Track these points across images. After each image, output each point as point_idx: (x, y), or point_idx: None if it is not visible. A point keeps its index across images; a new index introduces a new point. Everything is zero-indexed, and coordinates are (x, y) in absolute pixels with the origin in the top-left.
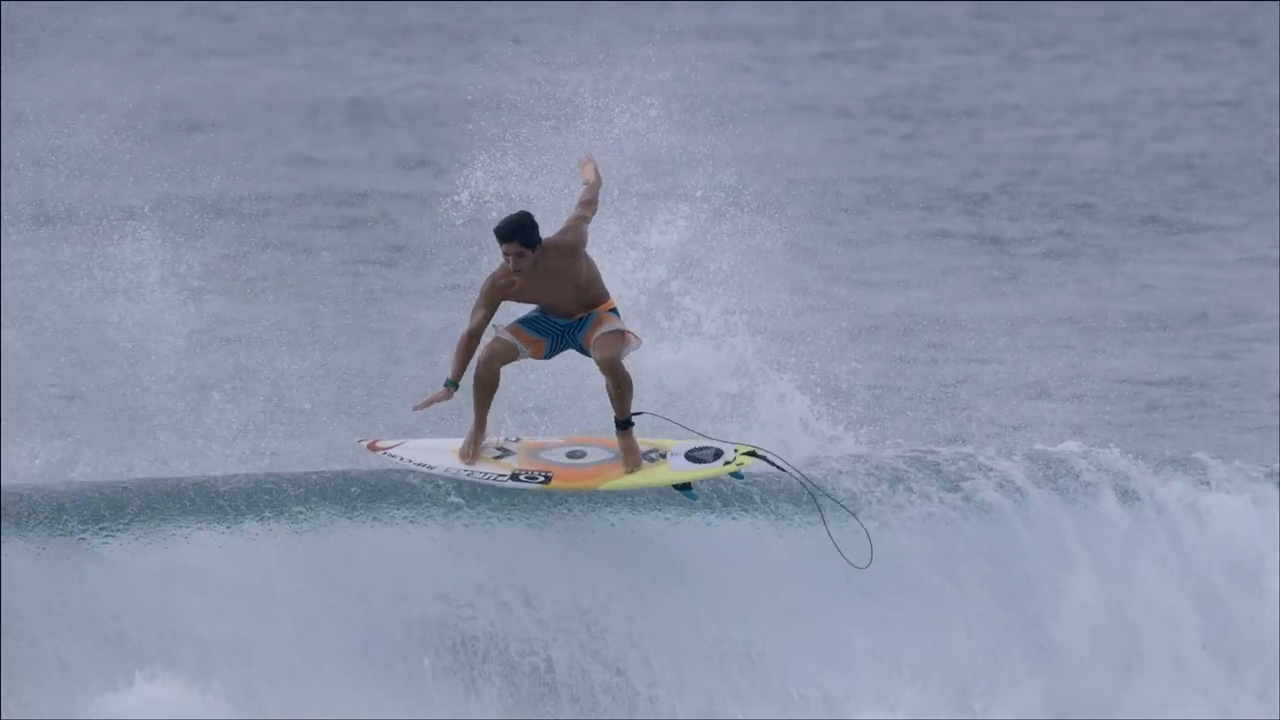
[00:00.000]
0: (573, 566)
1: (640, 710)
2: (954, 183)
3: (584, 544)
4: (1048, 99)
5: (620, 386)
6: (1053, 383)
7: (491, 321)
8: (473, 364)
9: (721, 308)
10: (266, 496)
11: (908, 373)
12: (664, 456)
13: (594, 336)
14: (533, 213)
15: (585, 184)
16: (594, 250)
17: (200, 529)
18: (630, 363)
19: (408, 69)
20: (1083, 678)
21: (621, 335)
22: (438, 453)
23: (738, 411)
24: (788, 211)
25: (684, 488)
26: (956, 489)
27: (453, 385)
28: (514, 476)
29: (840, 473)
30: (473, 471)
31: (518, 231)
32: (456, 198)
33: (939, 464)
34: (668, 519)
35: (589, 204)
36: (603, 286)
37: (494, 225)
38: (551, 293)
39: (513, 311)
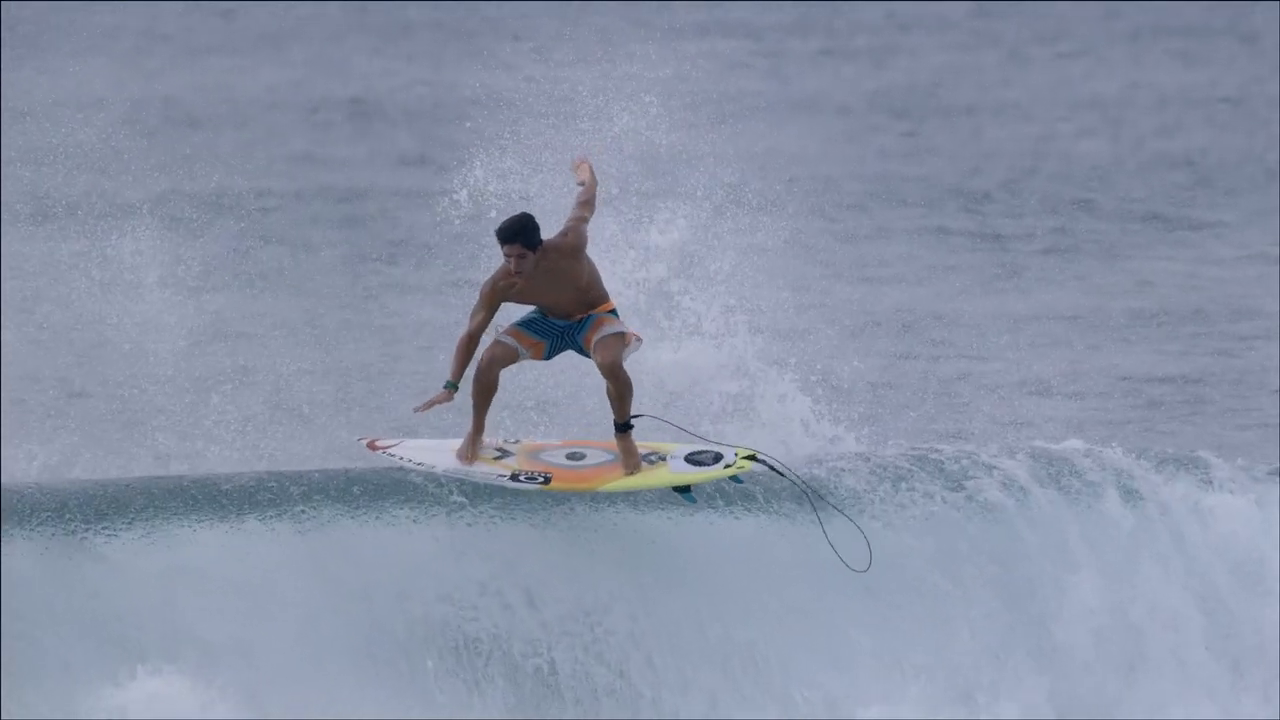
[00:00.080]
0: (575, 566)
1: (644, 711)
2: (954, 180)
3: (587, 543)
4: (1048, 96)
5: (621, 389)
6: (1053, 380)
7: (491, 323)
8: (472, 365)
9: (722, 306)
10: (269, 495)
11: (908, 370)
12: (664, 459)
13: (594, 339)
14: (533, 212)
15: (581, 185)
16: (593, 250)
17: (202, 528)
18: (630, 363)
19: (408, 66)
20: (1086, 678)
21: (622, 338)
22: (437, 453)
23: (738, 411)
24: (788, 209)
25: (684, 490)
26: (959, 488)
27: (453, 387)
28: (514, 477)
29: (842, 471)
30: (472, 472)
31: (519, 233)
32: (456, 196)
33: (942, 462)
34: (670, 519)
35: (587, 204)
36: (602, 288)
37: (494, 224)
38: (552, 294)
39: (512, 313)
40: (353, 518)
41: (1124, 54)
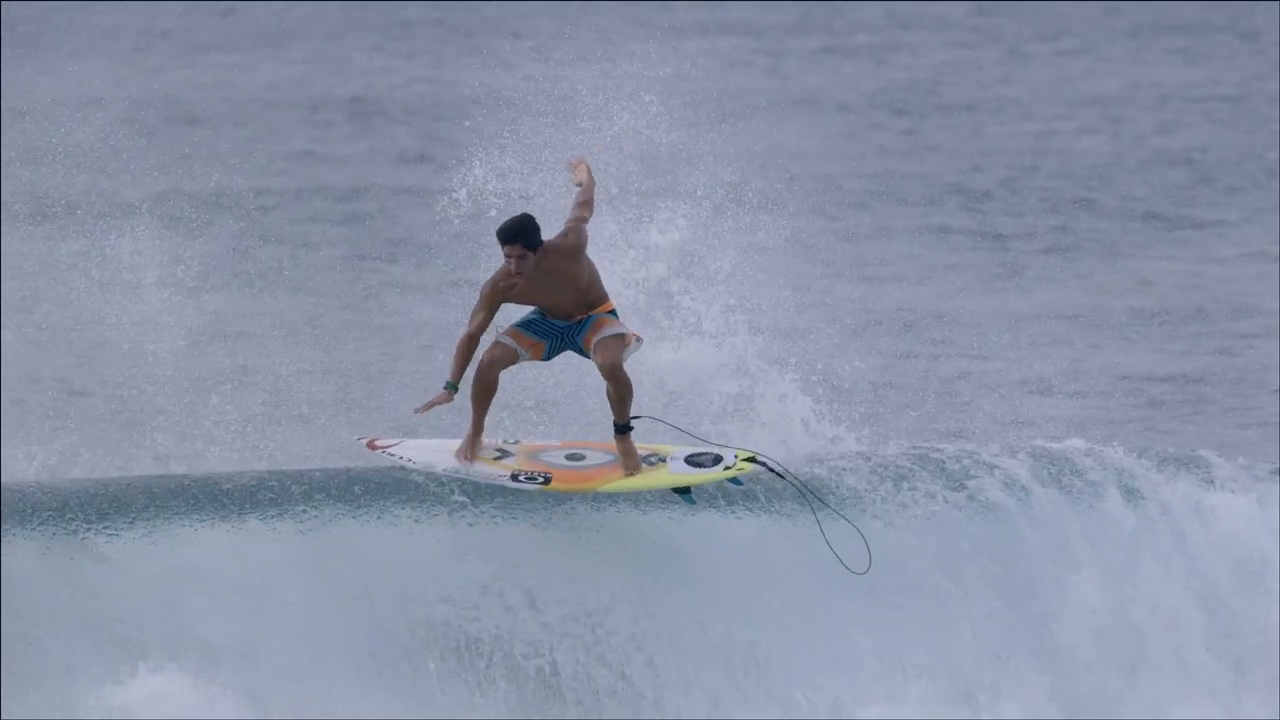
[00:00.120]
0: (577, 566)
1: (645, 712)
2: (955, 178)
3: (588, 544)
4: (1048, 94)
5: (621, 391)
6: (1054, 379)
7: (491, 323)
8: (472, 366)
9: (722, 306)
10: (270, 494)
11: (909, 369)
12: (663, 460)
13: (594, 340)
14: (533, 211)
15: (578, 185)
16: (593, 249)
17: (204, 528)
18: (630, 362)
19: (408, 64)
20: (1087, 678)
21: (622, 339)
22: (436, 453)
23: (739, 411)
24: (788, 208)
25: (683, 492)
26: (961, 487)
27: (453, 388)
28: (514, 477)
29: (843, 470)
30: (471, 472)
31: (520, 234)
32: (455, 195)
33: (943, 461)
34: (672, 519)
35: (586, 204)
36: (602, 288)
37: (494, 223)
38: (552, 295)
39: (511, 313)
40: (354, 517)
41: (1124, 52)
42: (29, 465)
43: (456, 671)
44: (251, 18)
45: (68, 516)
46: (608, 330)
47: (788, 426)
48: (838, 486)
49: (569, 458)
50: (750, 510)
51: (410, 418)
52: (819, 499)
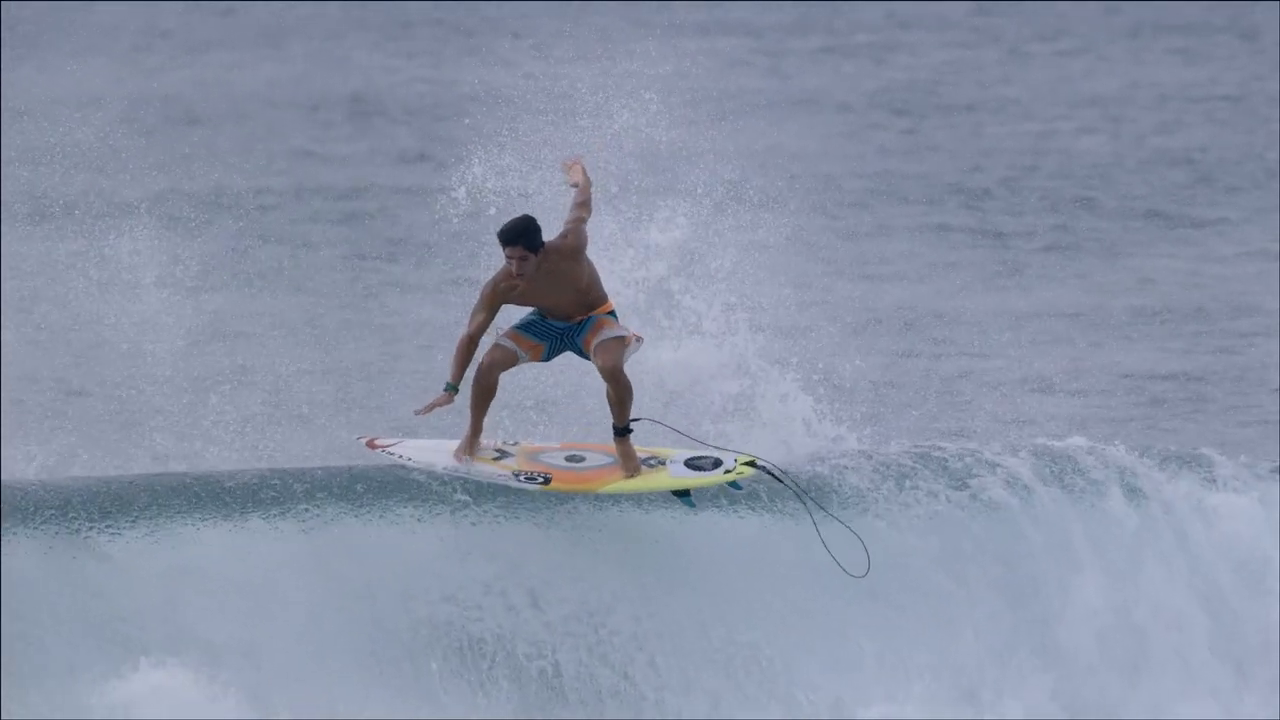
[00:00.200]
0: (580, 566)
1: (647, 712)
2: (955, 177)
3: (591, 543)
4: (1048, 93)
5: (621, 394)
6: (1055, 377)
7: (492, 324)
8: (471, 368)
9: (722, 305)
10: (272, 493)
11: (910, 368)
12: (663, 464)
13: (595, 342)
14: (532, 209)
15: (573, 186)
16: (593, 248)
17: (206, 526)
18: (630, 363)
19: (408, 64)
20: (1089, 678)
21: (623, 341)
22: (436, 453)
23: (739, 411)
24: (789, 206)
25: (684, 496)
26: (963, 486)
27: (453, 389)
28: (514, 477)
29: (845, 469)
30: (471, 471)
31: (522, 235)
32: (454, 194)
33: (945, 460)
34: (674, 519)
35: (584, 205)
36: (602, 289)
37: (493, 221)
38: (552, 296)
39: (510, 314)
40: (356, 516)
41: (1124, 51)
42: (27, 465)
43: (459, 671)
44: (251, 17)
45: (70, 515)
46: (608, 332)
47: (789, 426)
48: (840, 486)
49: (569, 459)
50: (753, 510)
51: (410, 418)
52: (818, 504)
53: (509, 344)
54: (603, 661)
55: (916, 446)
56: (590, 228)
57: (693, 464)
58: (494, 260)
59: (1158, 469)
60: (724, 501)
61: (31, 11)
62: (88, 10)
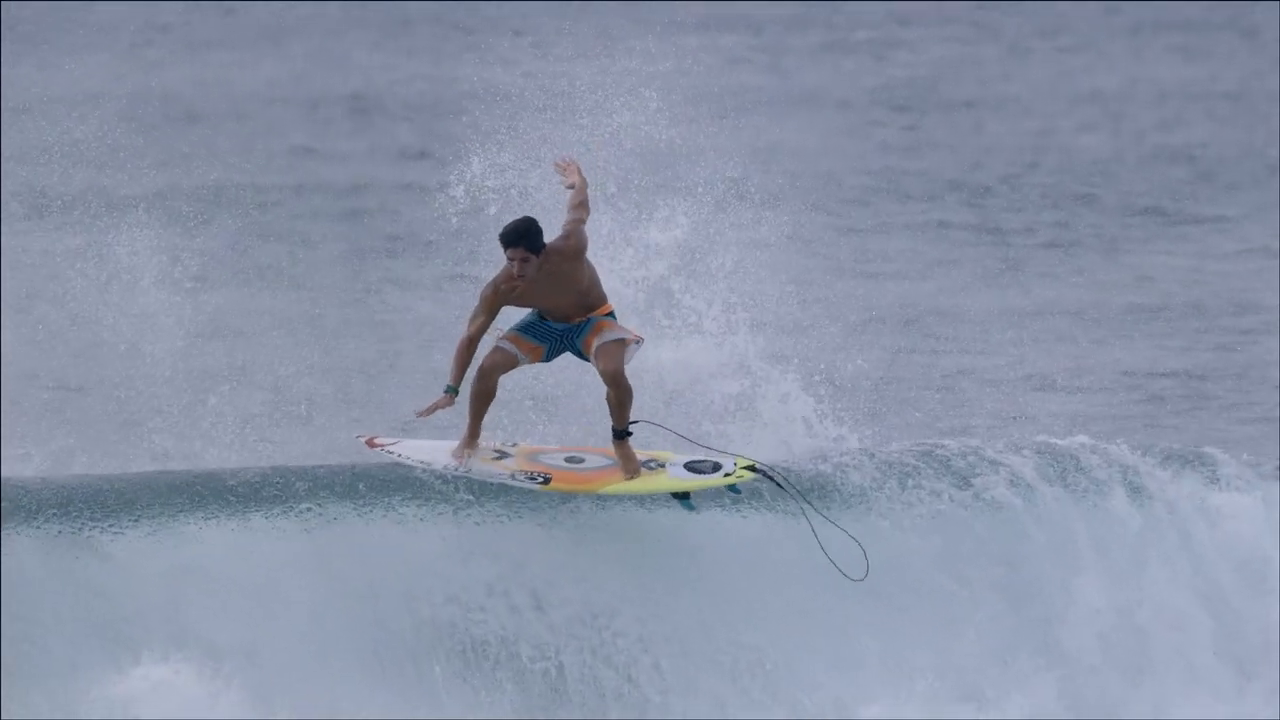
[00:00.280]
0: (583, 567)
1: (651, 714)
2: (955, 174)
3: (594, 543)
4: (1048, 90)
5: (621, 396)
6: (1056, 375)
7: (491, 325)
8: (471, 369)
9: (723, 304)
10: (274, 491)
11: (911, 366)
12: (662, 466)
13: (595, 344)
14: (531, 208)
15: (570, 187)
16: (592, 247)
17: (208, 525)
18: (631, 363)
19: (408, 62)
20: (1092, 679)
21: (623, 344)
22: (435, 453)
23: (740, 411)
24: (789, 204)
25: (683, 498)
26: (966, 485)
27: (453, 391)
28: (513, 476)
29: (847, 467)
30: (471, 470)
31: (523, 237)
32: (453, 192)
33: (948, 458)
34: (677, 520)
35: (581, 205)
36: (601, 290)
37: (492, 219)
38: (553, 297)
39: (509, 315)
40: (359, 515)
41: (1124, 49)
42: (26, 465)
43: (462, 672)
44: (251, 15)
45: (71, 514)
46: (608, 334)
47: (790, 426)
48: (842, 485)
49: (568, 460)
50: (755, 510)
51: (411, 418)
52: (816, 508)
53: (509, 346)
54: (606, 663)
55: (918, 445)
56: (589, 227)
57: (692, 467)
58: (494, 257)
59: (1160, 468)
60: (726, 502)
61: (31, 10)
62: (87, 9)
